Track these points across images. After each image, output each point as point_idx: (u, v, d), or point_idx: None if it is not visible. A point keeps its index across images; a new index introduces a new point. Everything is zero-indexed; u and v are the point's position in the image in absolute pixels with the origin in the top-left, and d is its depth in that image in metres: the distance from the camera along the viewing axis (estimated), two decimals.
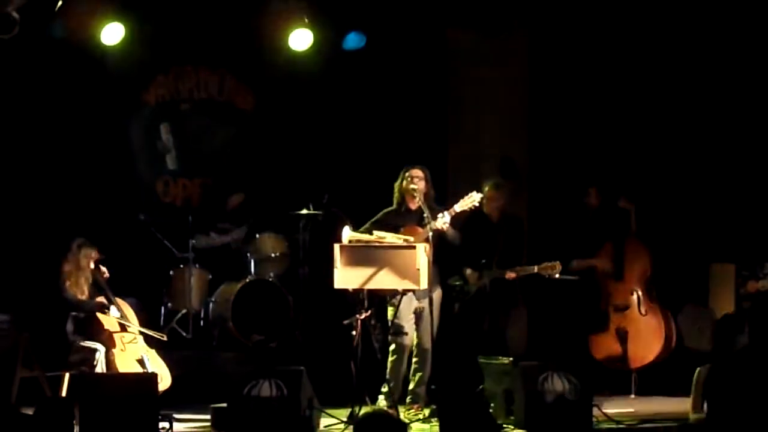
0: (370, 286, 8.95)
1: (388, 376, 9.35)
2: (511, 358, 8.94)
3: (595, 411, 8.57)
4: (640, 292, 10.44)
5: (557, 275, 9.72)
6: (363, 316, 9.07)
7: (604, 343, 10.45)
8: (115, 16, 10.89)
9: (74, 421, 7.16)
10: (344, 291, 9.04)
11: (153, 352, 9.40)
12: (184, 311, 11.34)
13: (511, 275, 9.89)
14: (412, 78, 11.97)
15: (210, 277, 11.56)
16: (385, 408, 9.08)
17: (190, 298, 11.28)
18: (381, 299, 9.35)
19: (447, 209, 9.25)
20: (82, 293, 9.32)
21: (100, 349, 9.11)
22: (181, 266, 11.40)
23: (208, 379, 9.82)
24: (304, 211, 11.13)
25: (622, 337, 10.39)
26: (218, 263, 11.63)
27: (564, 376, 8.35)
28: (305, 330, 11.28)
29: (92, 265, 9.37)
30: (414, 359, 9.46)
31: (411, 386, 9.47)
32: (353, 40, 11.60)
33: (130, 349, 9.26)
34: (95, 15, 10.80)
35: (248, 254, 11.53)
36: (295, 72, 11.70)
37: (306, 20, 11.12)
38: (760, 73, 11.09)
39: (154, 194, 12.25)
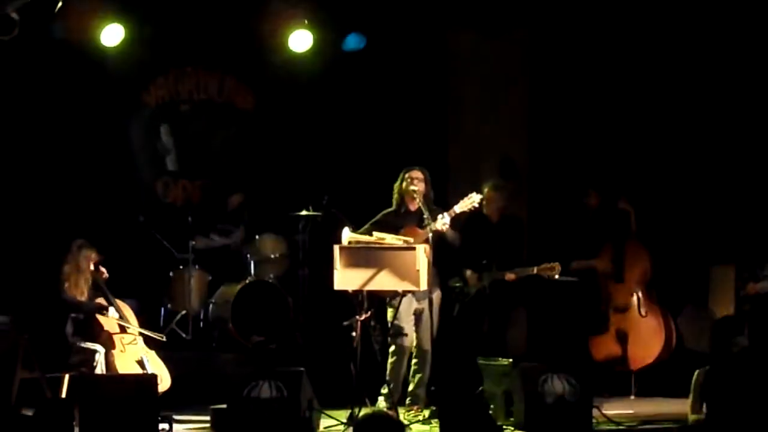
0: (370, 287, 8.94)
1: (387, 378, 9.35)
2: (510, 360, 8.94)
3: (595, 412, 8.57)
4: (640, 294, 10.44)
5: (557, 276, 9.72)
6: (363, 318, 9.07)
7: (604, 345, 10.45)
8: (115, 17, 10.91)
9: (74, 423, 7.16)
10: (344, 292, 9.04)
11: (153, 353, 9.40)
12: (183, 312, 11.34)
13: (510, 276, 9.90)
14: (412, 79, 11.98)
15: (210, 278, 11.56)
16: (385, 409, 9.08)
17: (189, 299, 11.28)
18: (380, 300, 9.35)
19: (447, 210, 9.25)
20: (82, 294, 9.32)
21: (100, 350, 9.11)
22: (181, 267, 11.41)
23: (207, 381, 9.82)
24: (304, 213, 11.13)
25: (622, 338, 10.39)
26: (218, 264, 11.63)
27: (564, 377, 8.35)
28: (305, 331, 11.28)
29: (92, 267, 9.37)
30: (413, 360, 9.46)
31: (411, 387, 9.47)
32: (353, 42, 11.61)
33: (130, 350, 9.26)
34: (95, 16, 10.81)
35: (248, 255, 11.54)
36: (295, 73, 11.72)
37: (306, 21, 11.12)
38: (760, 75, 11.08)
39: (154, 195, 12.25)
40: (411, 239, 9.14)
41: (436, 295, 9.35)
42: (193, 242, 11.36)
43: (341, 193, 10.92)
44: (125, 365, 9.14)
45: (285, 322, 11.29)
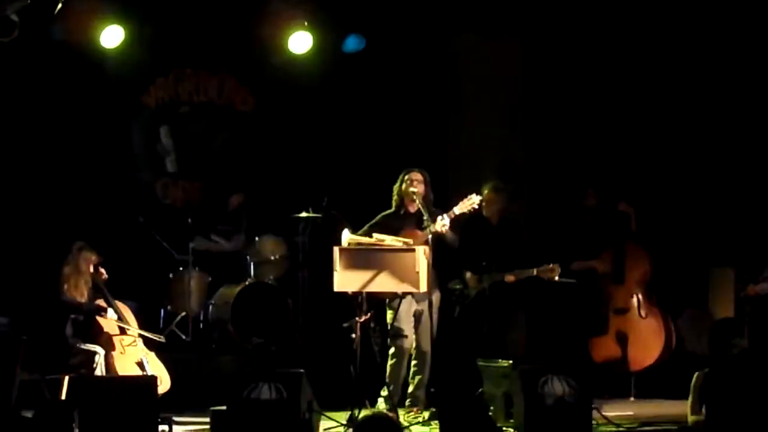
0: (370, 288, 8.95)
1: (387, 380, 9.36)
2: (510, 361, 8.94)
3: (595, 414, 8.56)
4: (640, 296, 10.44)
5: (556, 278, 9.72)
6: (362, 319, 9.07)
7: (604, 346, 10.45)
8: (115, 19, 10.90)
9: (74, 424, 7.17)
10: (344, 294, 9.04)
11: (152, 354, 9.40)
12: (183, 314, 11.34)
13: (510, 278, 9.89)
14: (412, 81, 11.99)
15: (209, 279, 11.56)
16: (385, 411, 9.08)
17: (189, 300, 11.28)
18: (380, 302, 9.36)
19: (446, 212, 9.25)
20: (82, 296, 9.32)
21: (100, 352, 9.11)
22: (181, 269, 11.41)
23: (207, 382, 9.81)
24: (304, 214, 11.12)
25: (622, 340, 10.39)
26: (218, 266, 11.63)
27: (563, 378, 8.35)
28: (305, 333, 11.27)
29: (92, 269, 9.37)
30: (413, 362, 9.46)
31: (410, 389, 9.47)
32: (353, 43, 11.61)
33: (130, 351, 9.26)
34: (95, 18, 10.80)
35: (248, 257, 11.54)
36: (295, 75, 11.71)
37: (306, 23, 11.12)
38: (759, 77, 11.08)
39: (153, 196, 12.25)
40: (410, 241, 9.14)
41: (436, 296, 9.35)
42: (193, 244, 11.35)
43: (341, 195, 10.92)
44: (125, 367, 9.14)
45: (285, 323, 11.29)
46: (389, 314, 9.39)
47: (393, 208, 9.64)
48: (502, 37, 11.82)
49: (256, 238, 11.56)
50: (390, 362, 9.41)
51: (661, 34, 11.33)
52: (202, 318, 11.52)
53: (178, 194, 12.36)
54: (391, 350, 9.40)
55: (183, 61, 12.30)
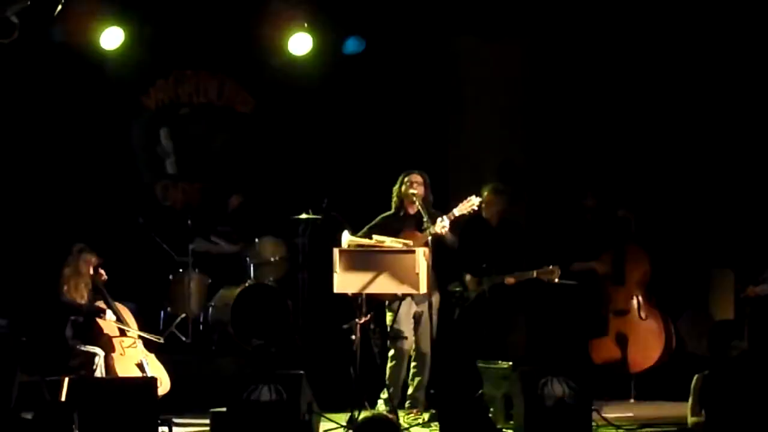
0: (370, 290, 8.95)
1: (387, 382, 9.35)
2: (510, 363, 8.94)
3: (595, 415, 8.56)
4: (640, 297, 10.44)
5: (556, 280, 9.72)
6: (362, 321, 9.07)
7: (604, 348, 10.44)
8: (115, 21, 10.90)
9: (73, 426, 7.17)
10: (344, 295, 9.03)
11: (152, 356, 9.39)
12: (183, 315, 11.33)
13: (510, 281, 9.89)
14: (412, 82, 11.99)
15: (209, 281, 11.56)
16: (385, 412, 9.07)
17: (189, 302, 11.28)
18: (380, 303, 9.36)
19: (445, 213, 9.25)
20: (82, 298, 9.31)
21: (100, 353, 9.10)
22: (181, 271, 11.40)
23: (207, 384, 9.81)
24: (304, 216, 11.12)
25: (622, 341, 10.39)
26: (218, 267, 11.63)
27: (563, 380, 8.34)
28: (305, 334, 11.27)
29: (92, 271, 9.37)
30: (413, 364, 9.46)
31: (410, 391, 9.47)
32: (353, 45, 11.61)
33: (130, 353, 9.26)
34: (95, 19, 10.80)
35: (247, 258, 11.53)
36: (295, 76, 11.71)
37: (305, 25, 11.12)
38: (758, 80, 11.08)
39: (153, 198, 12.25)
40: (410, 242, 9.14)
41: (435, 298, 9.34)
42: (193, 245, 11.35)
43: (341, 197, 10.92)
44: (125, 368, 9.14)
45: (284, 325, 11.29)
46: (389, 316, 9.39)
47: (392, 210, 9.64)
48: (502, 39, 11.82)
49: (256, 240, 11.56)
50: (389, 365, 9.41)
51: (661, 37, 11.33)
52: (202, 319, 11.52)
53: (178, 196, 12.36)
54: (391, 352, 9.40)
55: (183, 62, 12.30)
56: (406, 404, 9.44)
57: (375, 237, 9.24)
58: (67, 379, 8.63)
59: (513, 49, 11.93)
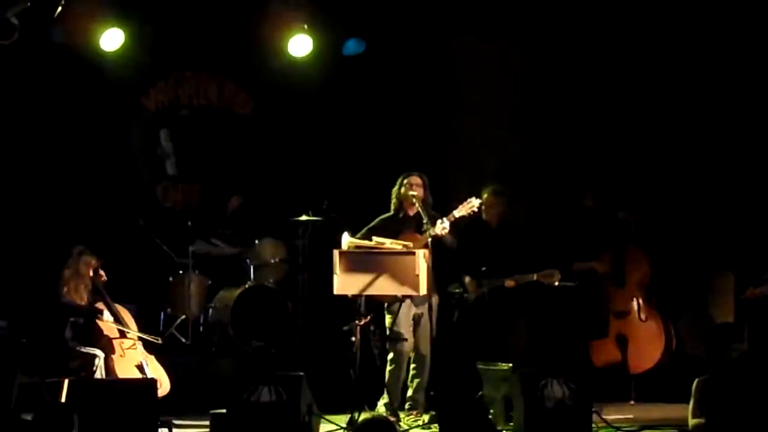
0: (370, 292, 8.95)
1: (387, 385, 9.33)
2: (510, 364, 8.93)
3: (595, 417, 8.56)
4: (640, 299, 10.44)
5: (556, 283, 9.72)
6: (362, 323, 9.07)
7: (604, 349, 10.44)
8: (115, 22, 10.89)
9: (73, 427, 7.16)
10: (343, 297, 9.03)
11: (152, 357, 9.39)
12: (183, 317, 11.33)
13: (510, 283, 9.88)
14: (412, 84, 11.99)
15: (209, 282, 11.56)
16: (385, 415, 9.06)
17: (189, 303, 11.28)
18: (379, 305, 9.35)
19: (445, 215, 9.25)
20: (81, 299, 9.31)
21: (100, 355, 9.10)
22: (181, 272, 11.40)
23: (207, 385, 9.80)
24: (304, 217, 11.12)
25: (622, 343, 10.39)
26: (218, 269, 11.63)
27: (563, 382, 8.34)
28: (304, 336, 11.27)
29: (92, 273, 9.37)
30: (412, 365, 9.45)
31: (409, 392, 9.46)
32: (353, 46, 11.60)
33: (130, 354, 9.25)
34: (95, 20, 10.79)
35: (247, 260, 11.53)
36: (295, 78, 11.70)
37: (305, 26, 11.11)
38: (758, 81, 11.08)
39: (153, 199, 12.26)
40: (410, 244, 9.14)
41: (435, 300, 9.33)
42: (193, 247, 11.35)
43: (341, 198, 10.91)
44: (125, 370, 9.13)
45: (284, 326, 11.29)
46: (388, 318, 9.39)
47: (391, 212, 9.63)
48: (502, 40, 11.82)
49: (256, 241, 11.55)
50: (389, 368, 9.40)
51: (661, 39, 11.33)
52: (202, 321, 11.52)
53: (178, 197, 12.36)
54: (390, 355, 9.39)
55: (183, 64, 12.31)
56: (406, 406, 9.44)
57: (375, 239, 9.24)
58: (67, 381, 8.62)
59: (513, 49, 11.93)
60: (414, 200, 9.37)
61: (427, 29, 11.71)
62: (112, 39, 10.93)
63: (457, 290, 10.04)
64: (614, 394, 10.20)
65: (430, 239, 9.08)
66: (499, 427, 8.46)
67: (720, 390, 7.36)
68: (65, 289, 9.29)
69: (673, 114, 11.49)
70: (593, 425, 8.52)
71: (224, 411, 8.41)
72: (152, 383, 8.45)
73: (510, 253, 10.12)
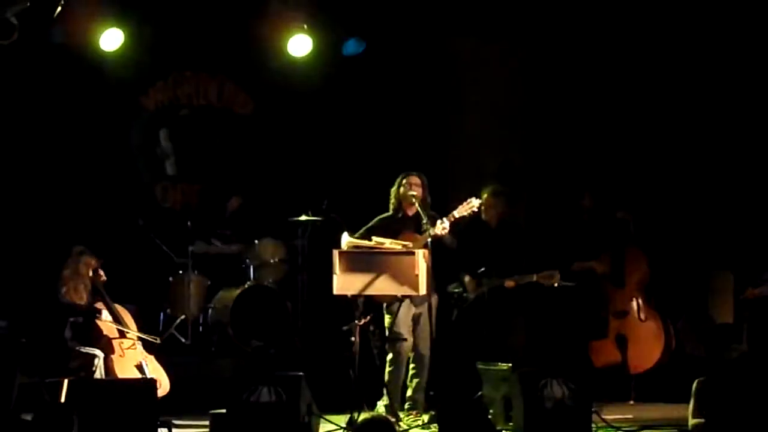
0: (370, 292, 8.95)
1: (387, 387, 9.32)
2: (510, 364, 8.93)
3: (594, 417, 8.56)
4: (639, 299, 10.44)
5: (556, 284, 9.72)
6: (362, 323, 9.07)
7: (604, 351, 10.45)
8: (115, 22, 10.89)
9: (73, 428, 7.16)
10: (343, 297, 9.03)
11: (152, 357, 9.38)
12: (183, 317, 11.33)
13: (510, 284, 9.88)
14: (412, 84, 11.99)
15: (209, 283, 11.56)
16: (385, 415, 9.06)
17: (189, 304, 11.28)
18: (379, 305, 9.35)
19: (444, 215, 9.25)
20: (81, 300, 9.31)
21: (99, 355, 9.10)
22: (180, 272, 11.40)
23: (206, 385, 9.80)
24: (303, 217, 11.11)
25: (622, 343, 10.39)
26: (217, 269, 11.63)
27: (563, 382, 8.34)
28: (304, 336, 11.27)
29: (91, 273, 9.37)
30: (411, 365, 9.45)
31: (409, 392, 9.46)
32: (352, 46, 11.60)
33: (129, 354, 9.25)
34: (94, 20, 10.79)
35: (247, 260, 11.53)
36: (295, 78, 11.71)
37: (305, 26, 11.11)
38: (757, 81, 11.08)
39: (153, 199, 12.26)
40: (410, 244, 9.14)
41: (434, 299, 9.33)
42: (193, 247, 11.34)
43: (341, 198, 10.91)
44: (124, 370, 9.13)
45: (284, 326, 11.29)
46: (387, 318, 9.38)
47: (390, 212, 9.63)
48: (502, 40, 11.82)
49: (256, 241, 11.55)
50: (388, 369, 9.39)
51: (660, 40, 11.33)
52: (201, 321, 11.52)
53: (178, 197, 12.36)
54: (389, 356, 9.39)
55: (182, 64, 12.31)
56: (406, 406, 9.44)
57: (375, 238, 9.24)
58: (66, 381, 8.62)
59: (513, 50, 11.93)
60: (413, 200, 9.37)
61: (427, 29, 11.71)
62: (111, 39, 10.93)
63: (456, 290, 10.04)
64: (614, 394, 10.21)
65: (429, 239, 9.08)
66: (498, 427, 8.46)
67: (719, 390, 7.36)
68: (64, 289, 9.29)
69: (672, 114, 11.49)
70: (593, 425, 8.52)
71: (224, 411, 8.41)
72: (152, 383, 8.45)
73: (509, 253, 10.12)
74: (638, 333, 10.40)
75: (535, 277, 9.77)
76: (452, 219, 9.23)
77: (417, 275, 8.87)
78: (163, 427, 8.48)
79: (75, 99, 11.59)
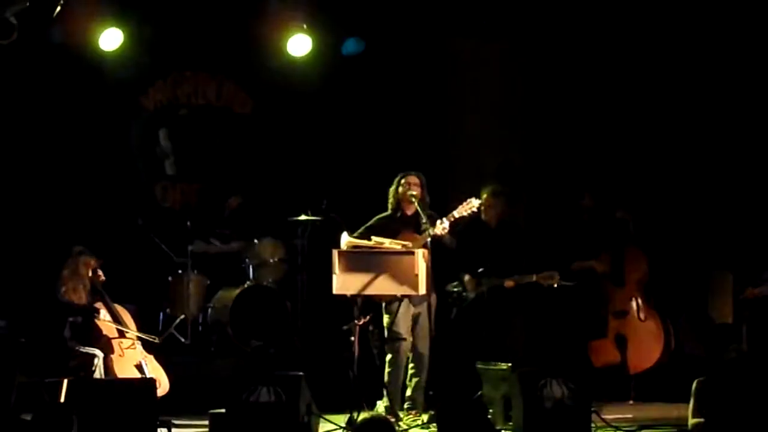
0: (369, 291, 8.95)
1: (386, 387, 9.32)
2: (509, 364, 8.93)
3: (594, 417, 8.56)
4: (639, 299, 10.45)
5: (555, 285, 9.72)
6: (361, 322, 9.06)
7: (603, 349, 10.45)
8: (114, 22, 10.89)
9: (73, 427, 7.16)
10: (342, 297, 9.03)
11: (151, 357, 9.39)
12: (182, 317, 11.31)
13: (509, 284, 9.88)
14: (412, 83, 11.99)
15: (208, 282, 11.55)
16: (385, 416, 9.06)
17: (188, 303, 11.27)
18: (379, 305, 9.35)
19: (443, 215, 9.25)
20: (80, 300, 9.31)
21: (99, 354, 9.10)
22: (180, 272, 11.40)
23: (206, 385, 9.80)
24: (303, 217, 11.11)
25: (621, 343, 10.39)
26: (217, 269, 11.62)
27: (562, 381, 8.34)
28: (304, 336, 11.27)
29: (91, 273, 9.37)
30: (410, 365, 9.45)
31: (408, 392, 9.46)
32: (352, 46, 11.60)
33: (129, 354, 9.25)
34: (94, 20, 10.79)
35: (247, 260, 11.53)
36: (294, 77, 11.70)
37: (305, 26, 11.11)
38: (757, 79, 11.08)
39: (152, 199, 12.25)
40: (410, 243, 9.14)
41: (433, 299, 9.32)
42: (192, 246, 11.34)
43: (340, 198, 10.91)
44: (124, 370, 9.13)
45: (283, 326, 11.29)
46: (386, 318, 9.38)
47: (389, 211, 9.63)
48: (502, 40, 11.82)
49: (255, 241, 11.55)
50: (387, 370, 9.37)
51: (660, 39, 11.33)
52: (201, 321, 11.51)
53: (177, 197, 12.36)
54: (388, 357, 9.37)
55: (182, 63, 12.30)
56: (405, 405, 9.43)
57: (374, 238, 9.24)
58: (66, 381, 8.62)
59: (513, 50, 11.93)
60: (413, 199, 9.37)
61: (427, 29, 11.71)
62: (111, 39, 10.94)
63: (455, 288, 10.04)
64: (613, 394, 10.20)
65: (429, 239, 9.07)
66: (498, 427, 8.46)
67: (719, 390, 7.36)
68: (63, 288, 9.29)
69: (671, 113, 11.49)
70: (592, 425, 8.51)
71: (223, 411, 8.41)
72: (151, 383, 8.45)
73: (509, 253, 10.12)
74: (638, 333, 10.40)
75: (534, 278, 9.78)
76: (452, 219, 9.23)
77: (416, 275, 8.87)
78: (163, 426, 8.48)
79: (74, 99, 11.59)
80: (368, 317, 9.14)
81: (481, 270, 9.87)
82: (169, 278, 11.43)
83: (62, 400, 8.61)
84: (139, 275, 11.32)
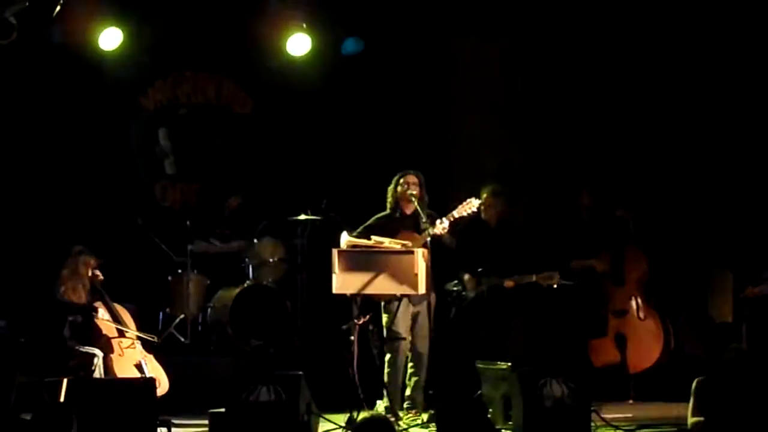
0: (369, 291, 8.95)
1: (386, 387, 9.32)
2: (509, 364, 8.93)
3: (593, 416, 8.56)
4: (639, 298, 10.45)
5: (555, 285, 9.72)
6: (361, 322, 9.07)
7: (603, 349, 10.44)
8: (114, 21, 10.90)
9: (72, 427, 7.16)
10: (342, 296, 9.03)
11: (151, 357, 9.39)
12: (182, 316, 11.32)
13: (509, 284, 9.88)
14: (412, 83, 11.98)
15: (208, 282, 11.56)
16: (385, 415, 9.06)
17: (188, 303, 11.27)
18: (377, 304, 9.35)
19: (443, 215, 9.25)
20: (79, 299, 9.32)
21: (99, 354, 9.10)
22: (179, 272, 11.40)
23: (206, 385, 9.81)
24: (303, 217, 11.11)
25: (621, 342, 10.39)
26: (216, 268, 11.63)
27: (562, 381, 8.34)
28: (303, 335, 11.27)
29: (90, 272, 9.37)
30: (410, 364, 9.45)
31: (408, 391, 9.46)
32: (351, 45, 11.60)
33: (128, 354, 9.26)
34: (93, 20, 10.80)
35: (246, 259, 11.53)
36: (293, 77, 11.70)
37: (304, 25, 11.12)
38: (757, 78, 11.08)
39: (152, 198, 12.26)
40: (409, 243, 9.14)
41: (432, 298, 9.32)
42: (191, 246, 11.34)
43: (340, 198, 10.91)
44: (124, 369, 9.14)
45: (283, 325, 11.29)
46: (385, 318, 9.38)
47: (388, 211, 9.63)
48: (501, 40, 11.82)
49: (255, 241, 11.55)
50: (387, 370, 9.37)
51: (659, 38, 11.33)
52: (200, 320, 11.52)
53: (177, 196, 12.36)
54: (387, 357, 9.38)
55: (181, 63, 12.31)
56: (405, 405, 9.43)
57: (374, 238, 9.24)
58: (65, 380, 8.63)
59: (512, 49, 11.93)
60: (412, 199, 9.37)
61: (427, 29, 11.70)
62: (110, 38, 10.95)
63: (455, 288, 10.04)
64: (613, 393, 10.20)
65: (428, 238, 9.08)
66: (497, 426, 8.45)
67: (719, 389, 7.36)
68: (63, 288, 9.30)
69: (671, 112, 11.48)
70: (592, 424, 8.51)
71: (223, 410, 8.41)
72: (151, 382, 8.46)
73: (509, 253, 10.12)
74: (637, 332, 10.40)
75: (534, 278, 9.77)
76: (452, 219, 9.23)
77: (416, 274, 8.87)
78: (163, 426, 8.49)
79: (74, 99, 11.59)
80: (368, 317, 9.15)
81: (480, 269, 9.87)
82: (169, 278, 11.44)
83: (62, 399, 8.61)
84: (139, 275, 11.33)
